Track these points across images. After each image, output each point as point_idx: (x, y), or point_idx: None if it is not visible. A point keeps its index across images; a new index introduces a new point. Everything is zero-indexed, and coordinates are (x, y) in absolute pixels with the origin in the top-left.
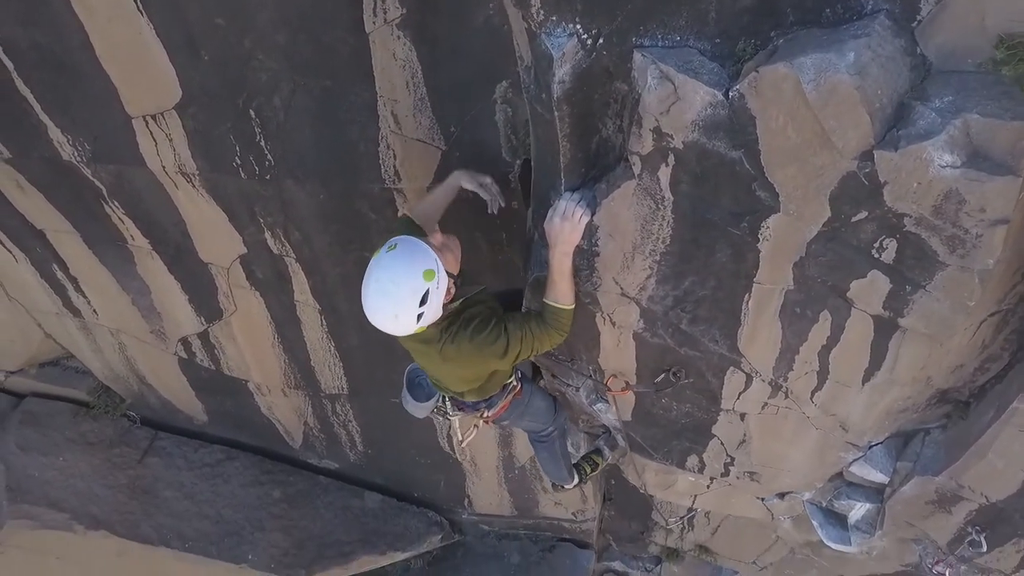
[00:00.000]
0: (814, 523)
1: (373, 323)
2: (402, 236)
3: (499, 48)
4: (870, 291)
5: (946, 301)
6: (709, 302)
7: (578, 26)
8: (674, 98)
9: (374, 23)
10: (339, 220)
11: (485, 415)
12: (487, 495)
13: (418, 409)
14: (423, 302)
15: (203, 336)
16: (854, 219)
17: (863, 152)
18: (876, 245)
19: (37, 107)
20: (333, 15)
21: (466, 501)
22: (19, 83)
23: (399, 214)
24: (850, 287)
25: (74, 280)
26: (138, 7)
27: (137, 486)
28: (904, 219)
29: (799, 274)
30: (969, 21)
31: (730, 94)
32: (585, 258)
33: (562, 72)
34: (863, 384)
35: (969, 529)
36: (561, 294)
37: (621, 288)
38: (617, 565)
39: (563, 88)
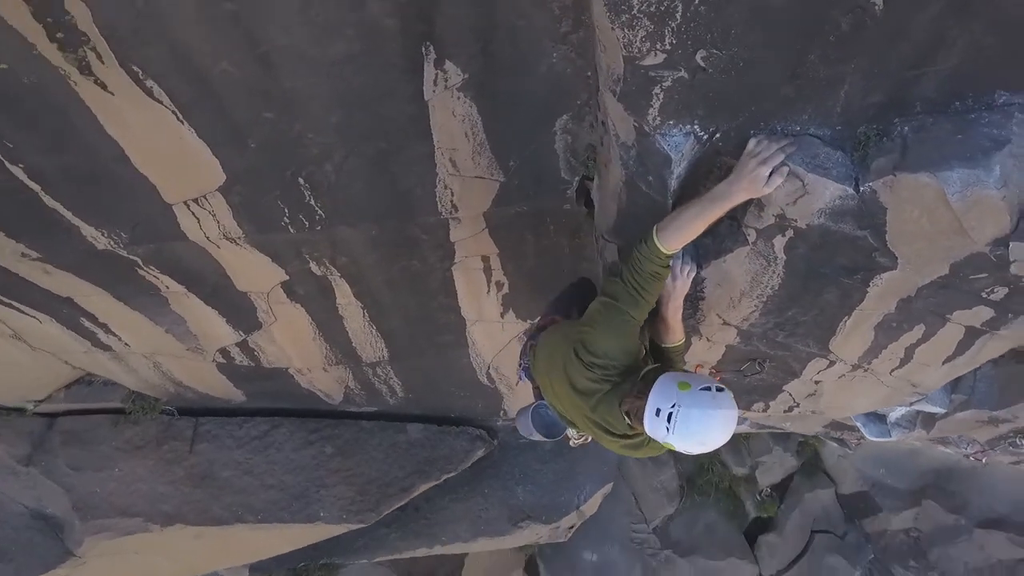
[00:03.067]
0: (857, 423)
1: (709, 436)
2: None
3: (561, 90)
4: (971, 316)
5: None
6: (809, 324)
7: (695, 126)
8: (802, 192)
9: (434, 91)
10: (390, 244)
11: None
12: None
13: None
14: None
15: (241, 344)
16: (972, 277)
17: (997, 239)
18: (987, 290)
19: (68, 214)
20: (391, 91)
21: (501, 413)
22: (46, 199)
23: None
24: (952, 314)
25: (104, 326)
26: (178, 118)
27: (196, 474)
28: (1022, 280)
29: (903, 305)
30: None
31: (861, 189)
32: (690, 301)
33: (679, 169)
34: (942, 365)
35: (1011, 434)
36: (677, 335)
37: (724, 320)
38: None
39: (679, 181)
